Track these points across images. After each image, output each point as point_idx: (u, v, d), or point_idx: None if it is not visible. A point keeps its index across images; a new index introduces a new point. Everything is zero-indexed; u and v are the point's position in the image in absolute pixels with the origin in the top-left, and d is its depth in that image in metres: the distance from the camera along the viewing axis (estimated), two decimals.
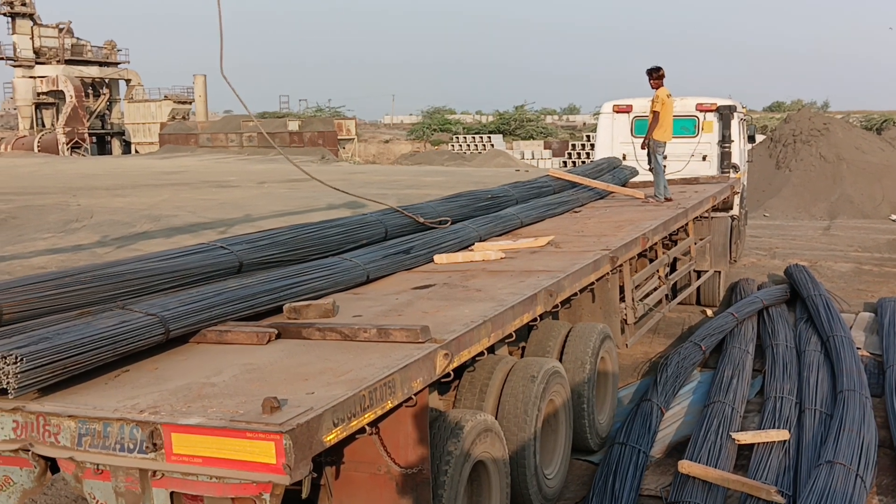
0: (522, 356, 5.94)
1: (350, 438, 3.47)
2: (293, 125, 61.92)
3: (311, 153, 54.93)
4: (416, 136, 67.69)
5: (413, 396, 3.73)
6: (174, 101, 70.42)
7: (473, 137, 59.12)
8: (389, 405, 3.50)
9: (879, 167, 24.76)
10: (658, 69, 10.10)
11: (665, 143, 10.19)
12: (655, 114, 10.04)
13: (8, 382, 3.23)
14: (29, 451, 3.28)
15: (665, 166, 10.19)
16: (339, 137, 60.93)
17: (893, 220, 21.50)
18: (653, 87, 10.14)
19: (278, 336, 4.19)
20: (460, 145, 58.30)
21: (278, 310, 4.72)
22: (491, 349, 5.15)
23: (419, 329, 3.97)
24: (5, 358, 3.24)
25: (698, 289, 10.86)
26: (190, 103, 72.03)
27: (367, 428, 3.41)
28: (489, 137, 58.28)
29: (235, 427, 2.94)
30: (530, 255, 6.66)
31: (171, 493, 3.16)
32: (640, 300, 7.87)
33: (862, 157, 25.08)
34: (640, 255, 8.17)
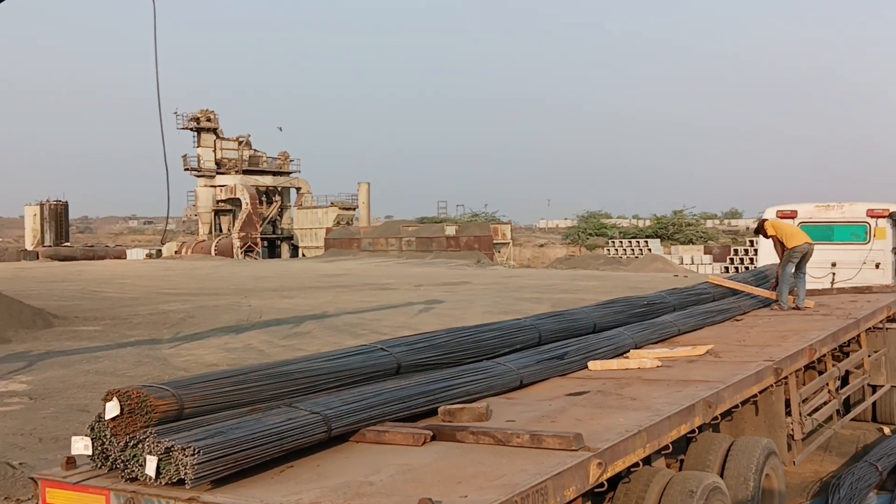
0: (681, 469, 5.75)
1: None
2: (450, 230, 63.61)
3: (467, 257, 56.08)
4: (572, 241, 67.86)
5: None
6: (339, 208, 74.24)
7: (630, 242, 58.60)
8: None
9: None
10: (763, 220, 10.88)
11: (795, 248, 10.26)
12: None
13: (185, 473, 3.47)
14: None
15: (803, 274, 10.44)
16: (494, 241, 61.97)
17: None
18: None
19: (433, 438, 4.29)
20: (616, 249, 57.86)
21: (433, 412, 4.84)
22: (647, 461, 5.04)
23: (572, 436, 3.97)
24: (185, 450, 3.50)
25: (874, 404, 10.15)
26: (354, 209, 75.70)
27: None
28: (646, 242, 57.61)
29: None
30: (688, 365, 6.51)
31: None
32: (809, 415, 7.46)
33: None
34: (808, 367, 7.80)
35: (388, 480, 3.63)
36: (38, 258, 68.48)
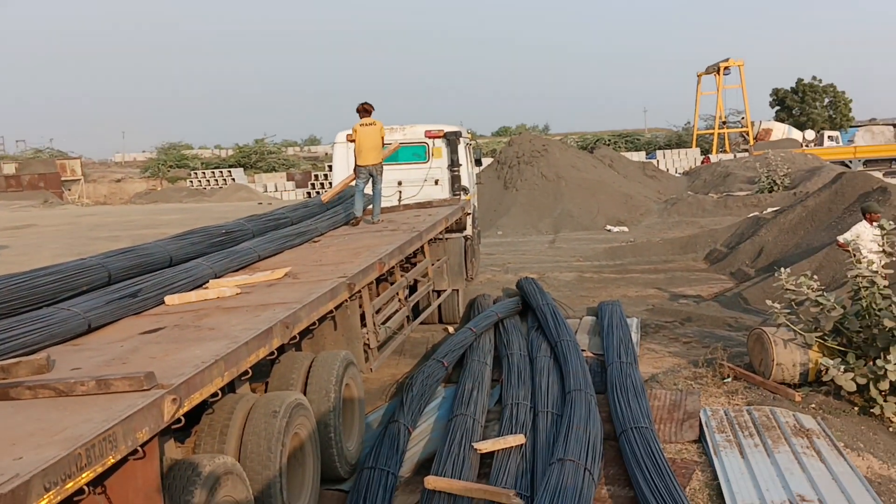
0: (266, 392, 5.83)
1: (71, 502, 3.21)
2: (9, 168, 56.85)
3: (31, 197, 50.67)
4: (152, 174, 64.60)
5: (140, 448, 3.53)
6: None
7: (213, 172, 57.36)
8: (112, 460, 3.28)
9: (594, 183, 27.16)
10: (361, 105, 11.00)
11: (364, 166, 10.86)
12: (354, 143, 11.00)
13: None
14: None
15: (378, 191, 11.12)
16: (63, 179, 56.72)
17: (609, 231, 23.63)
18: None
19: None
20: (199, 181, 56.35)
21: None
22: (231, 388, 5.02)
23: (143, 376, 3.77)
24: None
25: (439, 308, 11.25)
26: None
27: (87, 488, 3.17)
28: (230, 172, 56.86)
29: None
30: (267, 289, 6.57)
31: None
32: (382, 324, 8.01)
33: (578, 174, 27.37)
34: (380, 279, 8.33)
35: None
36: None
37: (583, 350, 9.00)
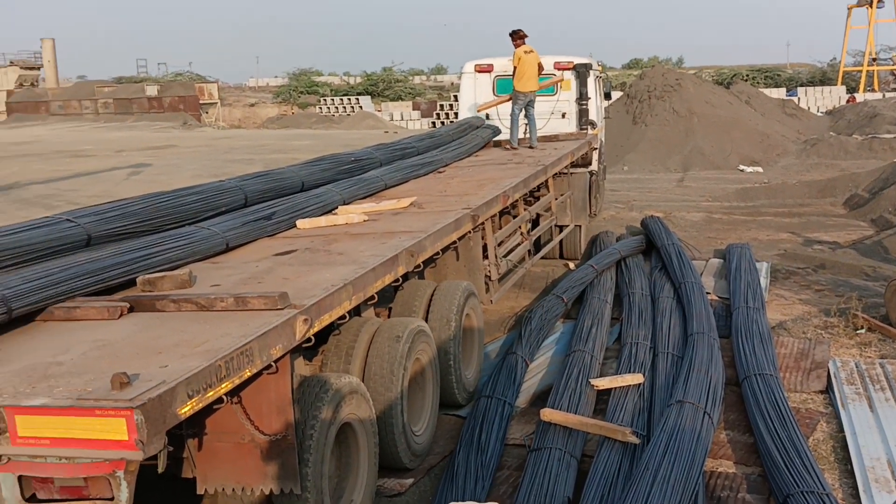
0: (389, 317, 6.00)
1: (211, 410, 3.44)
2: (152, 90, 59.50)
3: (172, 119, 53.01)
4: (283, 99, 66.29)
5: (273, 364, 3.71)
6: (21, 67, 66.29)
7: (342, 99, 58.32)
8: (248, 374, 3.48)
9: (728, 120, 26.06)
10: (517, 31, 11.18)
11: (524, 92, 11.17)
12: (515, 69, 11.14)
13: None
14: None
15: (533, 118, 11.53)
16: (201, 102, 58.95)
17: (741, 171, 22.74)
18: (515, 48, 11.23)
19: (131, 310, 4.08)
20: (328, 108, 57.42)
21: (132, 283, 4.58)
22: (357, 312, 5.19)
23: (277, 296, 3.95)
24: None
25: (560, 243, 11.20)
26: (38, 69, 67.98)
27: (225, 398, 3.38)
28: (357, 99, 57.65)
29: (83, 405, 2.86)
30: (393, 217, 6.70)
31: (20, 477, 3.05)
32: (504, 256, 8.06)
33: (712, 110, 26.31)
34: (503, 212, 8.35)
35: (80, 358, 3.41)
36: None
37: (708, 293, 8.79)
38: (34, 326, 3.97)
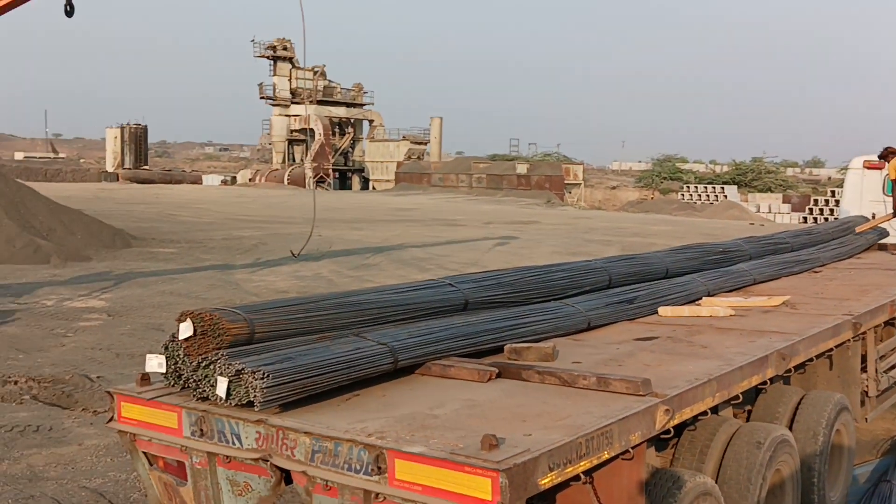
0: (748, 420, 5.66)
1: (563, 485, 3.46)
2: (521, 168, 63.10)
3: (537, 196, 55.67)
4: (645, 184, 66.67)
5: (630, 450, 3.66)
6: (411, 142, 74.21)
7: (705, 188, 57.21)
8: (606, 456, 3.46)
9: None
10: (888, 148, 10.98)
11: None
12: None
13: (255, 396, 3.54)
14: (268, 461, 3.55)
15: None
16: (565, 182, 61.28)
17: None
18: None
19: (499, 375, 4.28)
20: (691, 195, 56.58)
21: (499, 349, 4.82)
22: (714, 410, 4.96)
23: (640, 381, 3.91)
24: (254, 373, 3.56)
25: None
26: (425, 144, 75.54)
27: (582, 476, 3.39)
28: (723, 188, 56.15)
29: (455, 460, 3.04)
30: (762, 315, 6.35)
31: None
32: (885, 372, 7.25)
33: None
34: (888, 323, 7.54)
35: (453, 414, 3.64)
36: (117, 180, 70.53)
37: None
38: (414, 378, 4.32)
